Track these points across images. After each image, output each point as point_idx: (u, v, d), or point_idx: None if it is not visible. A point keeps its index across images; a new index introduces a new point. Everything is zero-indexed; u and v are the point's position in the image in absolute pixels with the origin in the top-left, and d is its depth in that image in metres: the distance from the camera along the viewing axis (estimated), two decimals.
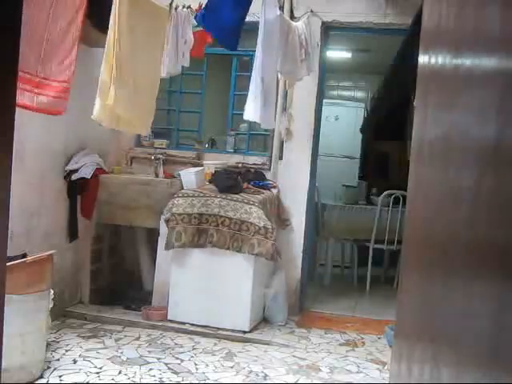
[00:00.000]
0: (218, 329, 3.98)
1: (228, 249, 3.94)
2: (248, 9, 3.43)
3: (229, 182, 4.14)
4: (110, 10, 2.89)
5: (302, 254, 4.64)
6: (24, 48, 2.60)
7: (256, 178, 4.44)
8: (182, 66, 3.69)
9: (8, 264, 2.55)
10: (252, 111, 3.49)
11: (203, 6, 3.37)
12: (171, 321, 4.06)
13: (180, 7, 3.50)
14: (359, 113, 7.39)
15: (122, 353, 3.52)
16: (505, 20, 0.89)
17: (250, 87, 3.51)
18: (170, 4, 3.43)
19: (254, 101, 3.48)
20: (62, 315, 4.02)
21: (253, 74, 3.52)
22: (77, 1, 2.79)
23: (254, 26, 3.55)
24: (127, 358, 3.43)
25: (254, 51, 3.59)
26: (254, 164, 4.67)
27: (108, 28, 2.93)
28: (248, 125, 4.72)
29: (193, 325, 4.02)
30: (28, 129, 3.53)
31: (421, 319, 1.48)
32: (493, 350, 0.83)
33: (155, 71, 3.36)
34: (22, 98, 2.62)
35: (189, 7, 3.58)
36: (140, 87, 3.17)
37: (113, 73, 2.87)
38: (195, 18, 3.49)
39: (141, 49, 3.13)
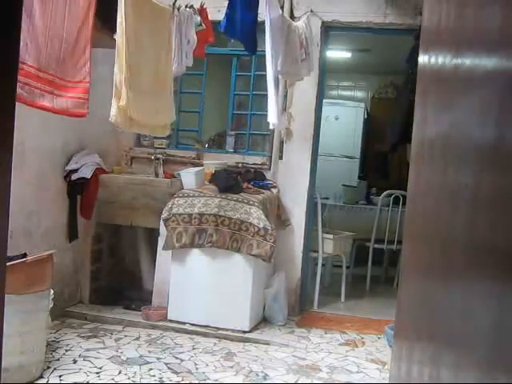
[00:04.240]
0: (218, 329, 3.98)
1: (227, 249, 3.95)
2: (257, 9, 3.44)
3: (229, 181, 4.14)
4: (113, 10, 2.89)
5: (301, 254, 4.64)
6: (42, 48, 2.60)
7: (256, 178, 4.44)
8: (186, 66, 3.69)
9: (8, 264, 2.55)
10: (274, 114, 3.49)
11: (218, 9, 3.38)
12: (171, 321, 4.06)
13: (182, 7, 3.50)
14: (359, 113, 7.39)
15: (121, 353, 3.52)
16: (505, 20, 0.89)
17: (269, 90, 3.50)
18: (173, 4, 3.43)
19: (273, 103, 3.48)
20: (62, 315, 4.02)
21: (268, 76, 3.51)
22: (87, 0, 2.79)
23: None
24: (127, 358, 3.43)
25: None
26: (254, 164, 4.67)
27: (109, 28, 2.93)
28: (248, 125, 4.73)
29: (193, 325, 4.02)
30: (28, 129, 3.53)
31: (421, 319, 1.48)
32: (493, 350, 0.83)
33: (165, 71, 3.36)
34: (41, 99, 2.60)
35: (191, 7, 3.58)
36: (151, 88, 3.18)
37: (124, 74, 2.88)
38: (220, 28, 3.47)
39: (148, 50, 3.14)
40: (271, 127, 3.77)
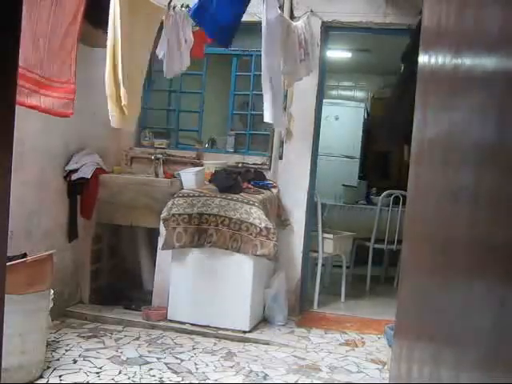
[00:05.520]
0: (218, 329, 3.98)
1: (227, 249, 3.95)
2: (245, 7, 3.43)
3: (229, 181, 4.14)
4: (108, 9, 2.90)
5: (301, 254, 4.64)
6: (29, 48, 2.61)
7: (256, 178, 4.44)
8: (184, 66, 3.69)
9: (8, 264, 2.56)
10: (269, 113, 3.50)
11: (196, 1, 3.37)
12: (171, 321, 4.06)
13: (178, 6, 3.50)
14: (359, 113, 7.39)
15: (121, 353, 3.52)
16: (505, 20, 0.89)
17: (263, 89, 3.51)
18: (169, 3, 3.43)
19: (269, 102, 3.48)
20: (62, 315, 4.02)
21: (262, 75, 3.52)
22: (76, 0, 2.80)
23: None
24: (127, 358, 3.43)
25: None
26: (254, 164, 4.67)
27: (105, 28, 2.93)
28: (246, 124, 4.73)
29: (193, 325, 4.02)
30: (28, 129, 3.53)
31: (421, 319, 1.48)
32: (493, 350, 0.83)
33: (142, 68, 3.38)
34: (29, 98, 2.62)
35: (187, 6, 3.57)
36: (137, 85, 3.20)
37: (119, 73, 2.88)
38: (189, 13, 3.48)
39: (134, 48, 3.14)
40: (276, 127, 3.78)
